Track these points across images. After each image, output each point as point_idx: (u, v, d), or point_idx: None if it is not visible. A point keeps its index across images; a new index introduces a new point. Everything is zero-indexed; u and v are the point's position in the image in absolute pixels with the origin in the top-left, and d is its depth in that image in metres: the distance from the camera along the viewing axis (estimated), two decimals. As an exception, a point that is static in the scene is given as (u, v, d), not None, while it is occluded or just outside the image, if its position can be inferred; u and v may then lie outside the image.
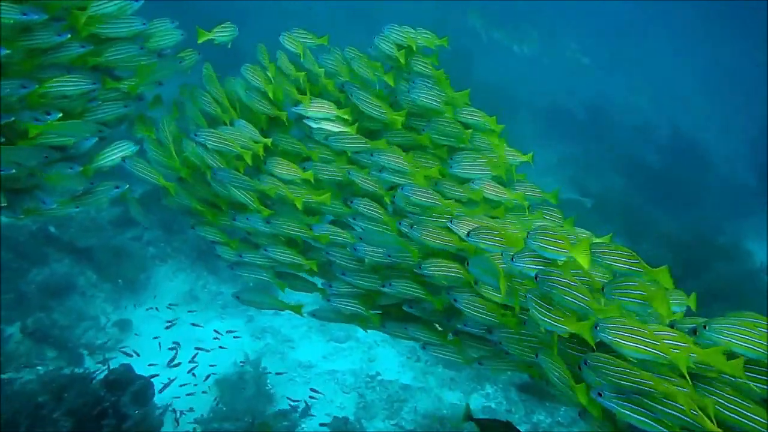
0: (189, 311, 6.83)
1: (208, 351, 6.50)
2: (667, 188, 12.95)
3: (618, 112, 16.71)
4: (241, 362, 6.48)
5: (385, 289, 3.47)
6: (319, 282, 3.93)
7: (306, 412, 6.02)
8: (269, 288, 4.14)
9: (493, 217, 3.50)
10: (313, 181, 3.73)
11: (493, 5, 17.19)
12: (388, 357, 7.20)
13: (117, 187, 3.72)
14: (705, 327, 2.37)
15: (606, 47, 21.62)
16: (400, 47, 3.82)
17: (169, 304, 6.81)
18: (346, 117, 3.79)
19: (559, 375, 2.75)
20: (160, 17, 3.77)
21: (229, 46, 4.00)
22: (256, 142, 3.73)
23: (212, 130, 3.66)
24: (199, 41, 3.91)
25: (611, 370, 2.37)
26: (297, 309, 3.98)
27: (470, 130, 3.78)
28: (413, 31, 3.82)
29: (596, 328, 2.43)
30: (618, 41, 23.76)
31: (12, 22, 3.16)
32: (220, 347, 6.28)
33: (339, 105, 3.89)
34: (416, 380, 6.95)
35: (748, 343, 2.29)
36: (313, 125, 3.78)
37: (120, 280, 7.28)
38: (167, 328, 5.94)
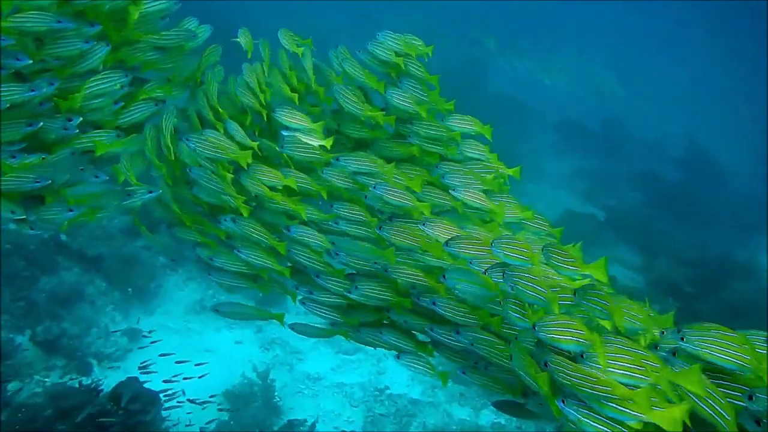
0: (152, 338, 6.66)
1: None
2: (681, 200, 12.80)
3: (631, 123, 16.58)
4: (249, 374, 6.44)
5: (351, 295, 3.41)
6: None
7: (314, 427, 5.96)
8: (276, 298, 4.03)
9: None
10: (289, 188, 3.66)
11: (494, 12, 17.17)
12: (397, 370, 7.12)
13: (150, 192, 3.58)
14: (683, 339, 2.36)
15: (608, 54, 21.51)
16: (397, 54, 3.75)
17: (149, 331, 6.72)
18: (318, 130, 3.72)
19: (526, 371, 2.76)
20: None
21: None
22: (244, 148, 3.63)
23: (203, 136, 3.57)
24: (249, 56, 3.90)
25: (569, 374, 2.40)
26: (279, 317, 3.82)
27: (455, 133, 3.69)
28: (406, 38, 3.76)
29: (534, 328, 2.51)
30: (625, 51, 23.64)
31: (45, 29, 3.13)
32: (204, 368, 6.16)
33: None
34: (425, 395, 6.87)
35: (725, 355, 2.28)
36: (285, 134, 3.73)
37: (130, 289, 7.26)
38: (142, 367, 5.82)
